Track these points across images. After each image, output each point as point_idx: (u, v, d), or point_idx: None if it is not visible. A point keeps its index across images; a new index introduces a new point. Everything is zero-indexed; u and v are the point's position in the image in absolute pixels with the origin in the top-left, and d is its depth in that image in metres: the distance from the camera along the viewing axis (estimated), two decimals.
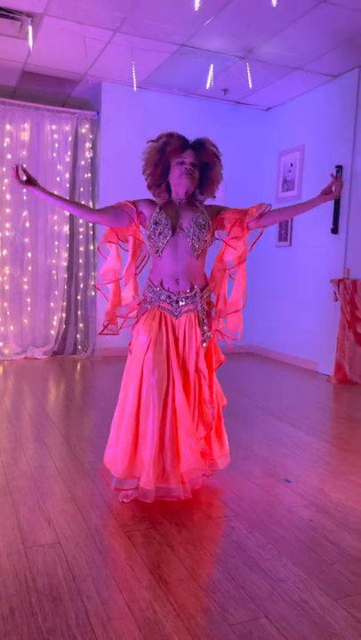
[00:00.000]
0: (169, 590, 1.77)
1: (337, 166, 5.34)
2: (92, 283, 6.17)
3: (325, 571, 1.93)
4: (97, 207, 6.06)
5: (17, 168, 2.41)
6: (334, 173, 2.39)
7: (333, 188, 2.40)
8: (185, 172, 2.40)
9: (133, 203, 2.53)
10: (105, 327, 2.62)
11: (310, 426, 3.73)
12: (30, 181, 2.45)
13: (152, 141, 2.46)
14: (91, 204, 6.14)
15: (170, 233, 2.43)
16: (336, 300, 5.27)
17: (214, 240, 2.56)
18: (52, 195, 2.53)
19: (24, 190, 5.85)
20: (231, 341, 2.64)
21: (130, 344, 2.52)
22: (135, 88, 5.56)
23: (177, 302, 2.45)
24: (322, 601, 1.75)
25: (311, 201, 2.45)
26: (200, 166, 2.45)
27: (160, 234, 2.43)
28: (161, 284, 2.47)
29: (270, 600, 1.74)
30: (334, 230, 5.41)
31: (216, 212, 2.52)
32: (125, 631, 1.57)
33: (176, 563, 1.95)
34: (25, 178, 2.43)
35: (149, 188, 2.54)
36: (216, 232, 2.55)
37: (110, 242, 2.59)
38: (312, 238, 5.82)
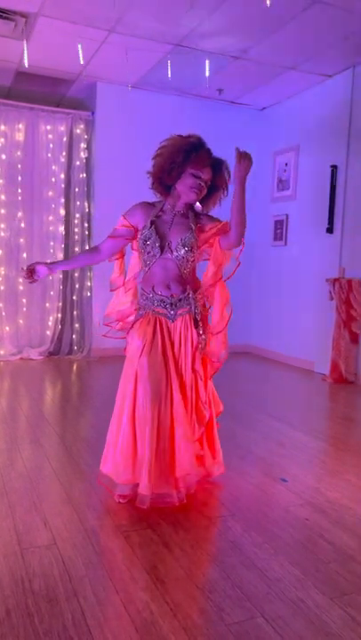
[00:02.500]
0: (165, 590, 1.78)
1: (331, 166, 5.35)
2: (89, 284, 6.17)
3: (322, 570, 1.94)
4: (93, 211, 6.07)
5: (27, 271, 2.46)
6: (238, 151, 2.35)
7: (241, 168, 2.32)
8: (197, 187, 2.39)
9: (128, 221, 2.50)
10: (110, 327, 2.64)
11: (306, 425, 3.73)
12: (37, 271, 2.47)
13: (179, 136, 2.41)
14: (86, 205, 6.14)
15: (158, 252, 2.42)
16: (331, 299, 5.28)
17: (203, 256, 2.55)
18: (59, 265, 2.64)
19: (19, 191, 5.85)
20: (216, 365, 2.56)
21: (125, 350, 2.52)
22: (130, 88, 5.56)
23: (171, 305, 2.44)
24: (318, 600, 1.75)
25: (235, 193, 2.36)
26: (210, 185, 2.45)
27: (149, 252, 2.43)
28: (153, 289, 2.46)
29: (267, 599, 1.75)
30: (329, 230, 5.42)
31: (202, 227, 2.47)
32: (122, 632, 1.57)
33: (173, 563, 1.95)
34: (33, 269, 2.46)
35: (154, 177, 2.48)
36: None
37: (117, 258, 2.62)
38: (307, 238, 5.83)
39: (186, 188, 2.41)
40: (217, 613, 1.67)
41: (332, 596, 1.77)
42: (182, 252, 2.41)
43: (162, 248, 2.42)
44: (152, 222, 2.44)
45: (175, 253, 2.42)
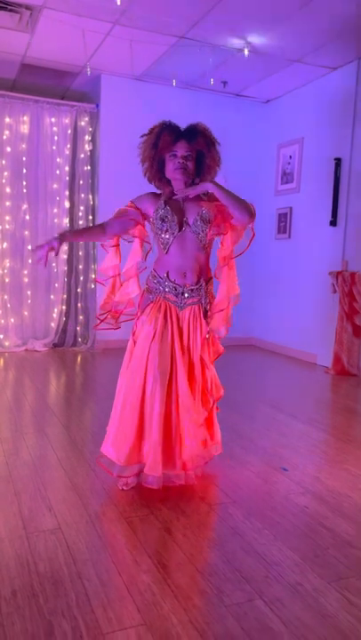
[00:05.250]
0: (167, 573, 1.82)
1: (336, 159, 5.35)
2: (93, 276, 6.20)
3: (320, 555, 1.98)
4: (97, 204, 6.09)
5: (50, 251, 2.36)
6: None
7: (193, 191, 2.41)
8: (178, 166, 2.40)
9: (136, 205, 2.51)
10: (101, 321, 2.61)
11: (308, 416, 3.77)
12: (55, 246, 2.36)
13: (145, 135, 2.45)
14: (90, 198, 6.16)
15: (177, 229, 2.43)
16: (335, 292, 5.30)
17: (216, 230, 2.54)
18: (72, 236, 2.51)
19: (24, 184, 5.88)
20: (217, 338, 2.60)
21: (133, 333, 2.54)
22: (134, 81, 5.55)
23: (182, 294, 2.47)
24: (316, 583, 1.80)
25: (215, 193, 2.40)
26: (196, 154, 2.44)
27: (167, 231, 2.43)
28: (167, 275, 2.48)
29: (265, 582, 1.79)
30: (333, 223, 5.43)
31: (212, 196, 2.46)
32: (125, 612, 1.62)
33: (174, 547, 1.99)
34: (54, 247, 2.36)
35: (150, 181, 2.54)
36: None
37: (113, 245, 2.60)
38: (311, 231, 5.84)
39: (171, 173, 2.43)
40: (217, 595, 1.71)
41: (329, 580, 1.82)
42: (201, 225, 2.42)
43: (180, 225, 2.43)
44: (165, 202, 2.46)
45: (194, 228, 2.43)
